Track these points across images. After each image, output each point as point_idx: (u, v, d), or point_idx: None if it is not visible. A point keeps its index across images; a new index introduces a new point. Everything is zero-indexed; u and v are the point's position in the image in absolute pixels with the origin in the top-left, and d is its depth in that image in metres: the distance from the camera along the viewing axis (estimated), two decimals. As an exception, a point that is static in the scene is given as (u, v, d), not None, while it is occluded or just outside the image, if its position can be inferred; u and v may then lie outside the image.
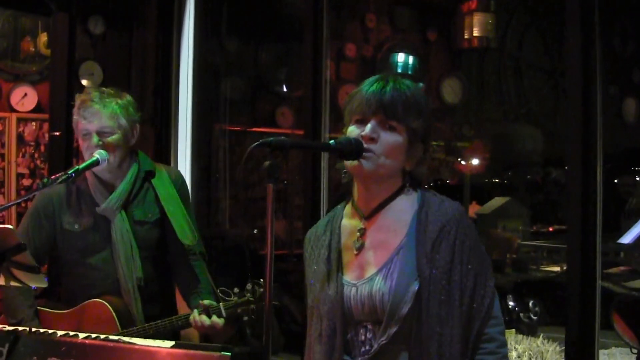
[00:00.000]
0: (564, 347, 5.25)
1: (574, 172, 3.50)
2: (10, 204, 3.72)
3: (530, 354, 5.16)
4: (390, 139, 2.45)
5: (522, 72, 7.64)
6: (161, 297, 3.87)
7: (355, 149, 2.43)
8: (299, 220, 6.75)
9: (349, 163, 2.47)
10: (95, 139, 3.64)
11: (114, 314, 3.64)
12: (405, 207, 2.52)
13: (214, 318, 3.52)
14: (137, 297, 3.73)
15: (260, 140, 2.35)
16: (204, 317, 3.52)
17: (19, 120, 5.71)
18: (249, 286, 3.49)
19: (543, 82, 7.62)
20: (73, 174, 3.44)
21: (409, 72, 7.48)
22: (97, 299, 3.69)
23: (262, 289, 3.46)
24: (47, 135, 5.75)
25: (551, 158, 7.35)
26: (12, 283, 3.01)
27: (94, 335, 2.79)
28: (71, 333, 2.84)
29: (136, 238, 3.76)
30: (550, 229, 7.12)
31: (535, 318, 6.85)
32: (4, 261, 2.90)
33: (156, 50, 5.83)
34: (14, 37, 5.77)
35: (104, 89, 3.76)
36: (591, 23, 3.55)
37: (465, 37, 7.29)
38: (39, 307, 3.78)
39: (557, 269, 7.21)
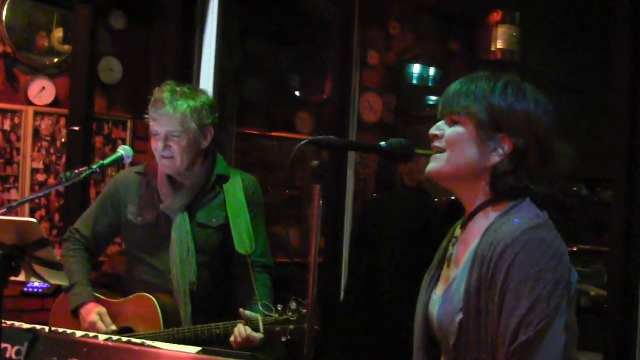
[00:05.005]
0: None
1: (619, 192, 3.41)
2: (29, 197, 3.64)
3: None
4: (450, 131, 2.27)
5: (544, 87, 7.56)
6: (215, 305, 3.76)
7: (406, 152, 2.32)
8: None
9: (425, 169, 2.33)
10: (162, 143, 3.61)
11: (159, 311, 3.57)
12: (487, 220, 2.24)
13: (249, 331, 3.38)
14: (188, 301, 3.64)
15: (309, 138, 2.26)
16: (240, 327, 3.40)
17: (36, 113, 5.61)
18: (292, 304, 3.32)
19: (565, 98, 7.54)
20: (97, 169, 3.40)
21: (429, 84, 7.42)
22: (147, 294, 3.64)
23: (304, 310, 3.27)
24: (63, 130, 5.67)
25: (572, 175, 7.27)
26: (33, 278, 2.92)
27: (115, 337, 2.73)
28: (91, 334, 2.78)
29: (195, 241, 3.68)
30: (575, 249, 7.02)
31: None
32: (26, 255, 2.80)
33: (177, 48, 5.76)
34: (29, 31, 5.68)
35: (178, 87, 3.67)
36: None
37: (488, 49, 7.23)
38: (96, 294, 3.76)
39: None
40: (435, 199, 4.63)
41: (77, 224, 3.89)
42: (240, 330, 3.38)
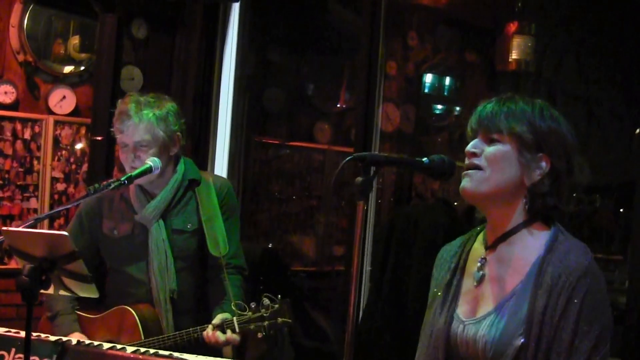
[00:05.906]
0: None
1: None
2: (56, 209, 3.64)
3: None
4: (492, 149, 2.30)
5: (557, 98, 7.54)
6: (196, 311, 3.79)
7: (448, 169, 2.31)
8: (330, 238, 6.66)
9: (460, 186, 2.34)
10: (131, 154, 3.62)
11: (138, 322, 3.60)
12: (531, 244, 2.30)
13: (229, 333, 3.43)
14: (169, 309, 3.68)
15: (354, 155, 2.26)
16: (218, 334, 3.44)
17: (56, 122, 5.62)
18: (265, 301, 3.39)
19: (577, 110, 7.52)
20: (125, 181, 3.40)
21: (447, 94, 7.41)
22: (125, 306, 3.67)
23: (276, 306, 3.38)
24: (83, 139, 5.68)
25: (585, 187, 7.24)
26: (62, 291, 2.92)
27: (143, 350, 2.73)
28: (118, 346, 2.78)
29: (173, 248, 3.71)
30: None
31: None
32: (56, 268, 2.80)
33: (198, 57, 5.76)
34: (48, 39, 5.69)
35: (141, 98, 3.69)
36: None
37: (504, 59, 7.22)
38: (77, 312, 3.78)
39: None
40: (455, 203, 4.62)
41: None
42: (218, 336, 3.43)
